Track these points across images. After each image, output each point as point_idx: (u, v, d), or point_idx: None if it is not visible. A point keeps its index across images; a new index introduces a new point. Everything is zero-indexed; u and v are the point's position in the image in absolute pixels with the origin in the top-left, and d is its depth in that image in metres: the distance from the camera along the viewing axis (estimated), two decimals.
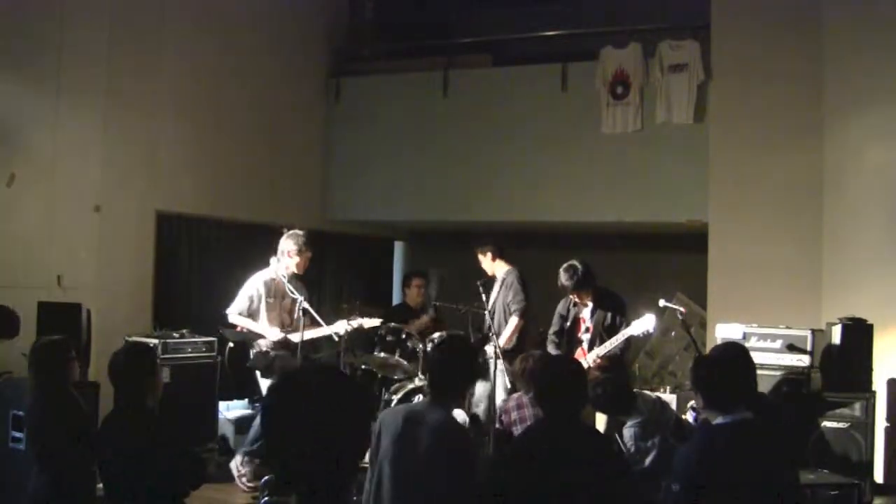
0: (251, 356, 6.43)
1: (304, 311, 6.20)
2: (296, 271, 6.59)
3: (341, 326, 6.37)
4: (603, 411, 5.75)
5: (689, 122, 7.86)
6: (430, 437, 3.48)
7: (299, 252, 6.53)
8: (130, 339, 6.19)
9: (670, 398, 6.62)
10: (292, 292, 6.36)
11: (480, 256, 7.47)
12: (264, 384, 6.44)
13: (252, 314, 6.48)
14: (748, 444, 3.36)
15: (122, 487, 3.68)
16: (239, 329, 6.50)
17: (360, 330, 6.64)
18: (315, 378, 1.94)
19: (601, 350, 6.27)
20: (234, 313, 6.49)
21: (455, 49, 9.32)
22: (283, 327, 6.51)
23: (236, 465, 6.37)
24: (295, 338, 6.34)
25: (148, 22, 7.40)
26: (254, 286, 6.50)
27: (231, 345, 6.59)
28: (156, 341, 6.54)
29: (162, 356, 6.43)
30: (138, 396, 3.81)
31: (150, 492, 3.60)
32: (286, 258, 6.55)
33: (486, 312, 6.65)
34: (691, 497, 3.30)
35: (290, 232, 6.66)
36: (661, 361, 9.33)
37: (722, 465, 3.30)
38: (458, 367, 3.77)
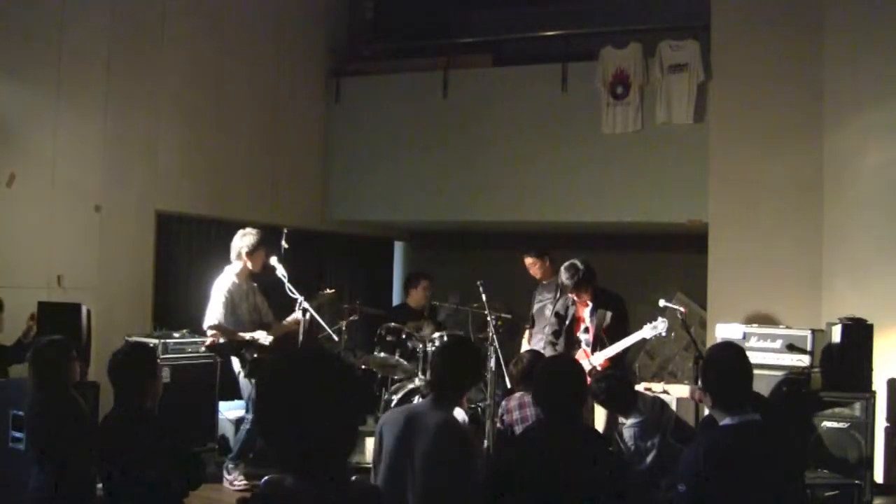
0: (241, 367, 6.36)
1: (305, 310, 6.20)
2: (252, 269, 6.50)
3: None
4: (604, 405, 5.75)
5: (689, 122, 7.85)
6: (431, 438, 3.48)
7: (252, 251, 6.44)
8: (130, 339, 6.19)
9: (670, 399, 6.60)
10: (292, 292, 6.34)
11: (531, 260, 7.41)
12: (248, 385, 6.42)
13: (227, 320, 6.41)
14: (755, 446, 3.35)
15: (121, 487, 3.68)
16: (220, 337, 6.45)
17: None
18: (309, 359, 1.93)
19: (608, 352, 6.25)
20: (213, 321, 6.38)
21: (455, 49, 9.32)
22: (254, 327, 6.49)
23: (225, 477, 6.37)
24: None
25: (148, 22, 7.42)
26: (222, 292, 6.41)
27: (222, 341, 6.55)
28: (156, 341, 6.54)
29: (162, 356, 6.44)
30: (137, 396, 3.81)
31: (148, 492, 3.61)
32: (244, 257, 6.46)
33: (487, 314, 6.64)
34: (697, 498, 3.29)
35: (241, 231, 6.57)
36: (661, 361, 9.34)
37: (728, 466, 3.29)
38: (461, 368, 3.77)
